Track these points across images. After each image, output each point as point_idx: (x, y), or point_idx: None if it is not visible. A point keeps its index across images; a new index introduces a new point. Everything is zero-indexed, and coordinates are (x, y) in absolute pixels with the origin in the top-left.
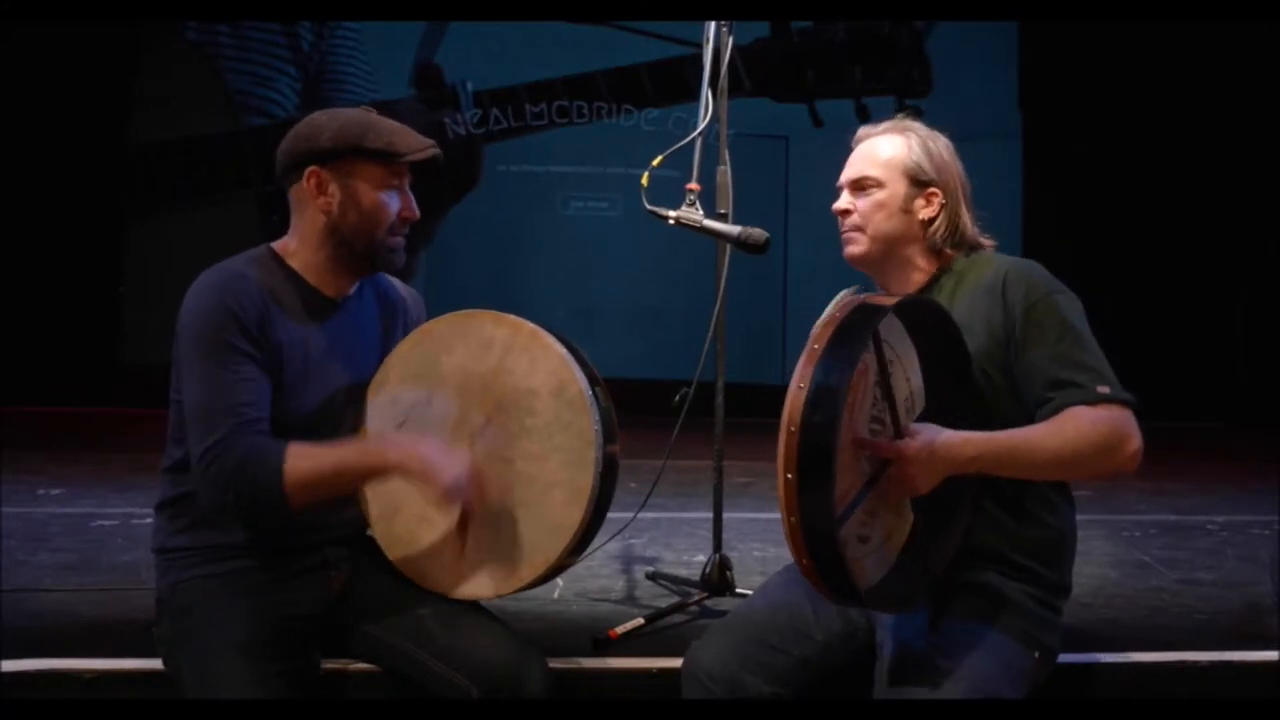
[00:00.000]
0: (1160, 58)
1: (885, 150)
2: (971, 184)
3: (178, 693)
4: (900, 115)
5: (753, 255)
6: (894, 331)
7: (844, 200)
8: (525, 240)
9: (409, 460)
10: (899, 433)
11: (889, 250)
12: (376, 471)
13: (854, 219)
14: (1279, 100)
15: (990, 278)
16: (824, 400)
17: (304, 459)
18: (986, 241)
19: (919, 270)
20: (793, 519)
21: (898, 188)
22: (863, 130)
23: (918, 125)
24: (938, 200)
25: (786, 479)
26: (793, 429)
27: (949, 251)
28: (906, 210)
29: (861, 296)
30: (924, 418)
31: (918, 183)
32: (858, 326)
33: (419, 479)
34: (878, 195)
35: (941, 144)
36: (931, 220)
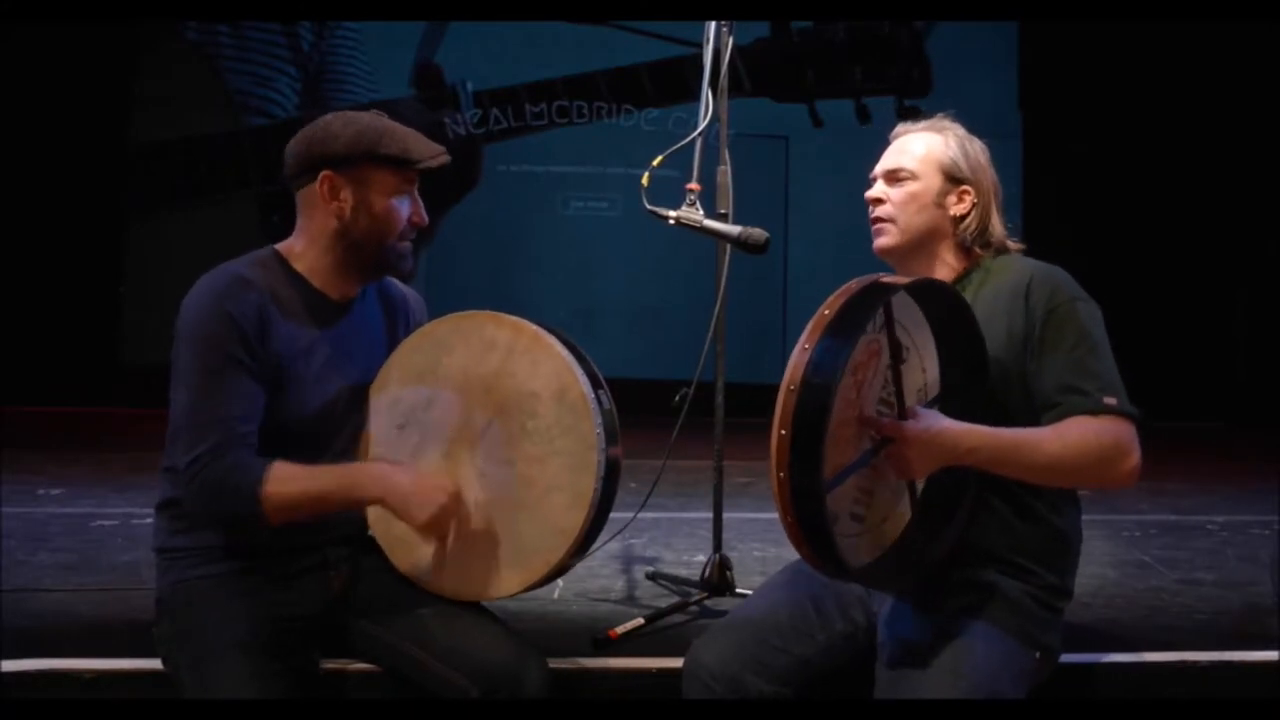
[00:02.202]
0: (1160, 58)
1: (923, 145)
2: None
3: (177, 692)
4: (940, 115)
5: (753, 255)
6: (912, 318)
7: (877, 189)
8: (525, 240)
9: (389, 498)
10: (903, 415)
11: (919, 243)
12: (358, 505)
13: (885, 209)
14: (1279, 100)
15: (1015, 281)
16: (826, 364)
17: (284, 484)
18: (1014, 245)
19: (947, 266)
20: (781, 475)
21: (932, 181)
22: (900, 126)
23: (956, 126)
24: (970, 198)
25: (780, 435)
26: (792, 388)
27: (978, 251)
28: (939, 205)
29: (877, 275)
30: (937, 408)
31: (952, 179)
32: (869, 298)
33: (400, 515)
34: (912, 186)
35: (978, 146)
36: (963, 217)
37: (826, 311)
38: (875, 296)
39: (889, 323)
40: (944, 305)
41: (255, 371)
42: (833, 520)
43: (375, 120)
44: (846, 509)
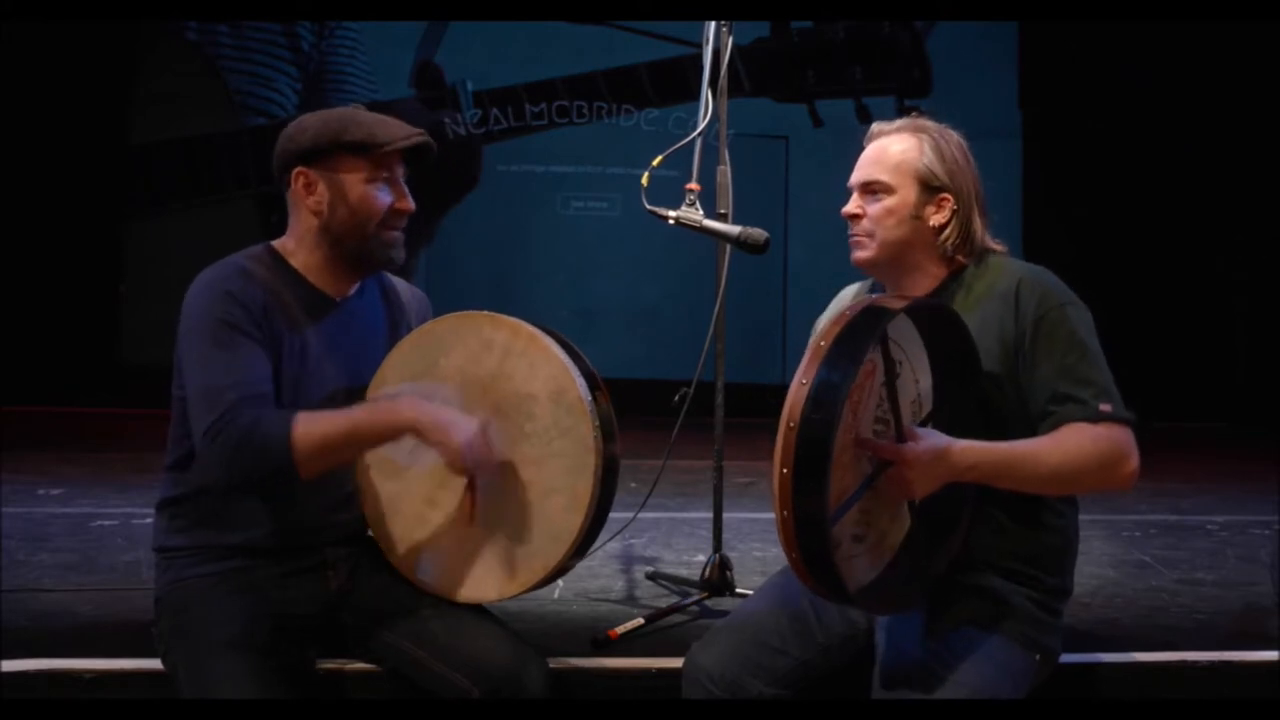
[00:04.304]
0: (1161, 58)
1: (896, 153)
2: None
3: (177, 692)
4: (913, 114)
5: (753, 255)
6: (905, 333)
7: (853, 204)
8: (525, 240)
9: (423, 418)
10: (901, 435)
11: (898, 256)
12: (390, 431)
13: (864, 224)
14: (1279, 100)
15: (1003, 286)
16: (825, 398)
17: (313, 423)
18: (996, 246)
19: (929, 276)
20: (785, 513)
21: (909, 194)
22: (875, 128)
23: (930, 125)
24: (949, 206)
25: (782, 473)
26: (792, 425)
27: (960, 258)
28: (917, 216)
29: (873, 297)
30: (931, 421)
31: (929, 188)
32: (866, 327)
33: (433, 438)
34: (888, 201)
35: (954, 145)
36: (943, 227)
37: (823, 343)
38: (871, 327)
39: (884, 343)
40: (935, 317)
41: (263, 344)
42: (835, 547)
43: (344, 111)
44: (848, 532)
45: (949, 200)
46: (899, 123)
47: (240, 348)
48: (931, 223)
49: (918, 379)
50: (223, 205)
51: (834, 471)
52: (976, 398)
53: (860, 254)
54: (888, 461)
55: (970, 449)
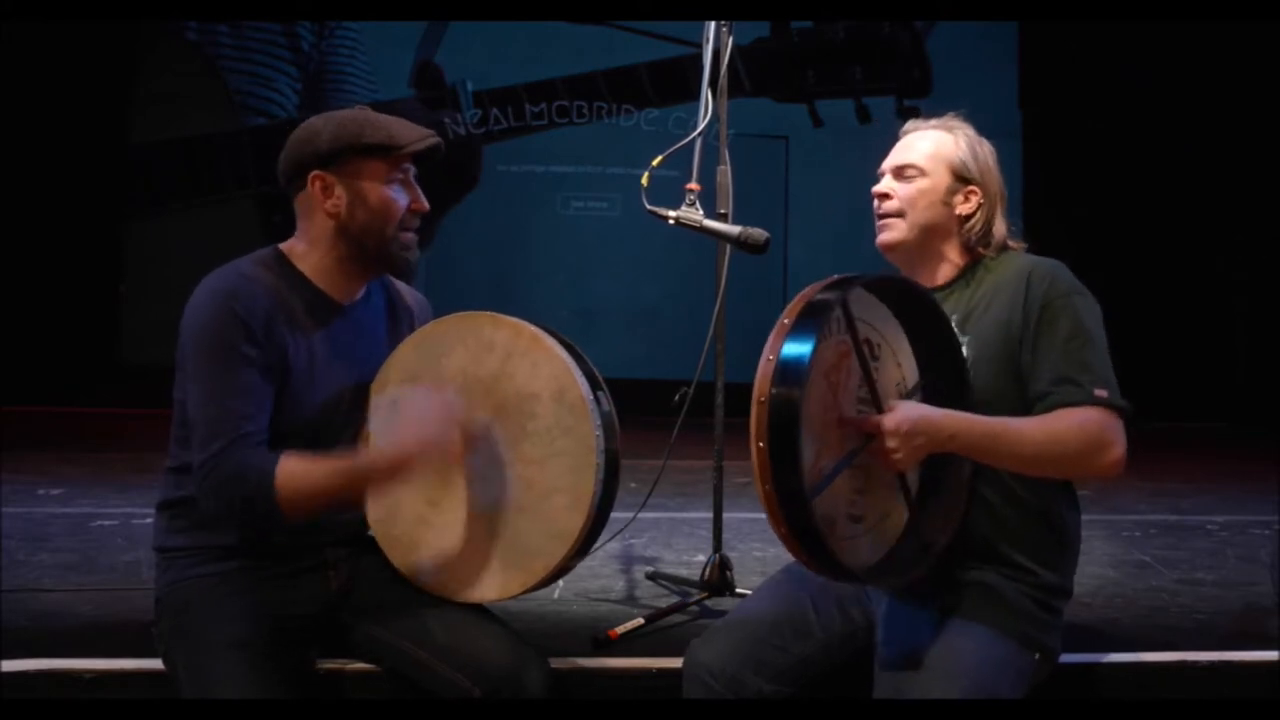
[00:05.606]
0: (1161, 58)
1: (932, 143)
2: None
3: (177, 692)
4: (950, 114)
5: (753, 255)
6: (876, 315)
7: (885, 183)
8: (525, 240)
9: (393, 466)
10: (880, 410)
11: (924, 240)
12: (369, 487)
13: (893, 204)
14: (1279, 100)
15: (1015, 273)
16: (791, 371)
17: (297, 477)
18: (1015, 245)
19: (950, 264)
20: (766, 487)
21: (941, 180)
22: (911, 123)
23: (967, 126)
24: (976, 199)
25: (758, 448)
26: (761, 400)
27: (981, 250)
28: (946, 203)
29: (833, 276)
30: (918, 399)
31: (960, 179)
32: (826, 300)
33: (416, 473)
34: (920, 183)
35: (987, 148)
36: (969, 217)
37: (786, 320)
38: (830, 296)
39: (850, 322)
40: (913, 304)
41: (263, 367)
42: (827, 524)
43: (357, 113)
44: (842, 510)
45: (977, 193)
46: (935, 120)
47: (240, 377)
48: (958, 211)
49: (900, 362)
50: (223, 205)
51: (819, 450)
52: (965, 384)
53: (888, 235)
54: (870, 436)
55: (951, 418)
